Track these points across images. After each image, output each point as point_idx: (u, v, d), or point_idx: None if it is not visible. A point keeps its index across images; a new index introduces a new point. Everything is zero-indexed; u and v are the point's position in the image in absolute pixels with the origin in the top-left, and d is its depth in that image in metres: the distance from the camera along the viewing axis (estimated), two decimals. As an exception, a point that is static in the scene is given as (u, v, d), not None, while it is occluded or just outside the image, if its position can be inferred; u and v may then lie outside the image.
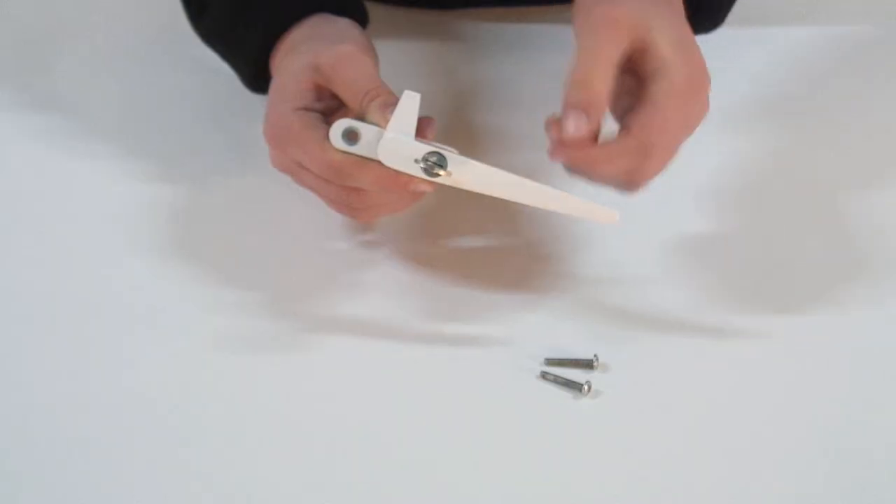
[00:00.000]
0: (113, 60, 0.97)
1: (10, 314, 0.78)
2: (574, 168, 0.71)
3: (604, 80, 0.69)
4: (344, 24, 0.79)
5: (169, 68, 0.96)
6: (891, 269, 0.80)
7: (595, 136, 0.70)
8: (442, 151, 0.71)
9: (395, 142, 0.71)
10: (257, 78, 0.82)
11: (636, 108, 0.70)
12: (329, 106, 0.75)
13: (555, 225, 0.82)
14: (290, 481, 0.68)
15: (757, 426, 0.71)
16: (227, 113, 0.92)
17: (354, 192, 0.74)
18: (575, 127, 0.68)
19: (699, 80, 0.71)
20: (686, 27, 0.72)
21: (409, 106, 0.71)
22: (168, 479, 0.68)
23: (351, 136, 0.72)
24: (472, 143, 0.88)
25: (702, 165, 0.86)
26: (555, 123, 0.70)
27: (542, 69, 0.92)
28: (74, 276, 0.80)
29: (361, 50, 0.76)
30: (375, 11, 0.85)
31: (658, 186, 0.80)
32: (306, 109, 0.74)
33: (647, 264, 0.80)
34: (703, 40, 0.73)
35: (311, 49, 0.76)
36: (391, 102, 0.71)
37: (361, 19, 0.82)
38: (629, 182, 0.72)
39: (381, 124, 0.71)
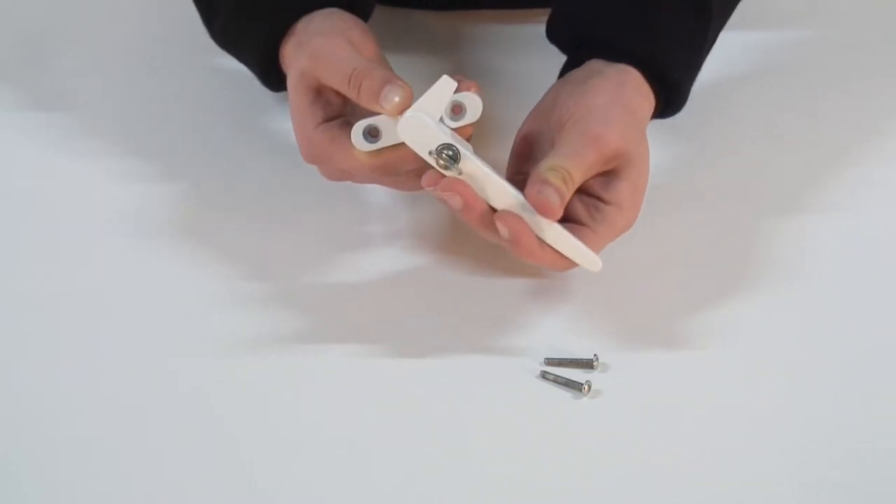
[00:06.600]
0: (113, 60, 0.98)
1: (10, 312, 0.78)
2: (513, 236, 0.71)
3: (575, 187, 0.71)
4: (320, 18, 0.78)
5: (170, 67, 0.97)
6: (892, 269, 0.80)
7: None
8: (459, 147, 0.70)
9: (415, 121, 0.69)
10: (270, 76, 0.82)
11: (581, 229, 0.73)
12: (343, 101, 0.75)
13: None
14: (292, 475, 0.68)
15: (757, 426, 0.71)
16: (229, 111, 0.92)
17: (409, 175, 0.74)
18: (552, 202, 0.69)
19: (627, 226, 0.75)
20: (646, 169, 0.75)
21: (442, 91, 0.69)
22: (166, 478, 0.68)
23: (372, 132, 0.71)
24: (472, 142, 0.88)
25: (700, 167, 0.87)
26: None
27: (543, 70, 0.92)
28: (74, 275, 0.80)
29: (329, 37, 0.75)
30: (376, 13, 0.85)
31: (658, 188, 0.80)
32: (327, 121, 0.75)
33: (647, 264, 0.80)
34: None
35: (297, 56, 0.76)
36: (375, 89, 0.70)
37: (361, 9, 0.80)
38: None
39: (386, 112, 0.70)
